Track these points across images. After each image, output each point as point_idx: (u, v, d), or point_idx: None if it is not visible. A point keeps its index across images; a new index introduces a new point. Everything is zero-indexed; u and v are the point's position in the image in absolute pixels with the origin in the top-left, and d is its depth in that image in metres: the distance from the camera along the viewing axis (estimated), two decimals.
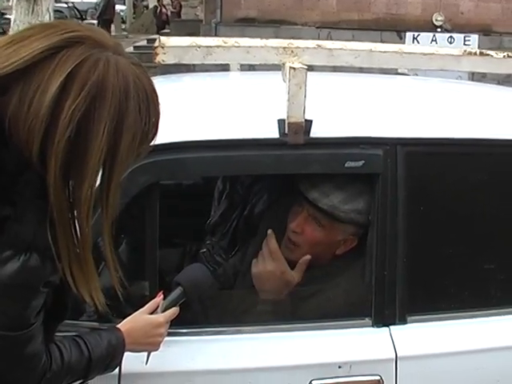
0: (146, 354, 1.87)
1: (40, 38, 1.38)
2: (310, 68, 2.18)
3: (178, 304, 1.91)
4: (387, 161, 2.11)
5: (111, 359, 1.71)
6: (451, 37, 8.90)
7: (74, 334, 1.70)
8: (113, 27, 23.26)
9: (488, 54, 2.52)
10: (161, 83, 2.74)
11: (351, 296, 2.21)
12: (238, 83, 2.77)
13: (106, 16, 23.30)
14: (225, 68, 2.75)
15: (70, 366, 1.59)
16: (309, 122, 2.04)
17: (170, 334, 1.95)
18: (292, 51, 2.11)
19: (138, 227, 2.07)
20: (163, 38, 2.27)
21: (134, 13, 30.98)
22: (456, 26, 10.37)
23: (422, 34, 8.50)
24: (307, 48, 2.14)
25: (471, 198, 2.25)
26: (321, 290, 2.22)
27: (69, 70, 1.35)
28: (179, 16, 22.85)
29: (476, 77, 6.27)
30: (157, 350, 1.87)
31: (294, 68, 1.98)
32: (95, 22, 22.44)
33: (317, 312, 2.18)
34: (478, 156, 2.25)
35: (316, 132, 2.06)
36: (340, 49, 2.19)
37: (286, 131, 2.03)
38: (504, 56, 2.52)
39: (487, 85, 3.46)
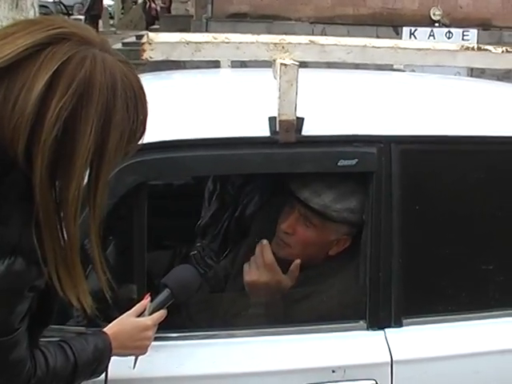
0: (133, 358, 1.88)
1: (24, 34, 1.38)
2: (304, 65, 2.19)
3: (165, 306, 1.91)
4: (381, 159, 2.13)
5: (98, 364, 1.72)
6: (449, 32, 8.92)
7: (59, 338, 1.70)
8: (100, 23, 23.24)
9: (486, 49, 2.54)
10: (149, 80, 2.75)
11: (345, 298, 2.22)
12: (228, 80, 2.78)
13: (93, 11, 23.27)
14: (216, 65, 2.76)
15: (55, 372, 1.59)
16: (300, 120, 2.05)
17: (158, 339, 1.96)
18: (283, 47, 2.12)
19: (125, 228, 2.08)
20: (151, 34, 2.29)
21: (123, 8, 30.95)
22: (454, 20, 10.39)
23: (420, 29, 8.51)
24: (298, 44, 2.15)
25: (468, 197, 2.26)
26: (314, 291, 2.23)
27: (55, 67, 1.36)
28: (169, 11, 22.82)
29: (475, 73, 6.30)
30: (144, 353, 1.87)
31: (284, 64, 1.99)
32: (82, 17, 22.39)
33: (310, 315, 2.20)
34: (475, 154, 2.26)
35: (308, 130, 2.07)
36: (332, 44, 2.20)
37: (277, 129, 2.04)
38: (502, 51, 2.53)
39: (485, 81, 3.47)
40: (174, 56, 2.15)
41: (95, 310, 1.58)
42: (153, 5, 24.82)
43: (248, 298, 2.27)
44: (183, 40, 2.19)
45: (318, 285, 2.25)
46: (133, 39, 16.77)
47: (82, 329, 1.95)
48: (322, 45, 2.20)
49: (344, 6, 11.49)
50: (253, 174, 2.38)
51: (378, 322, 2.17)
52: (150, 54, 2.14)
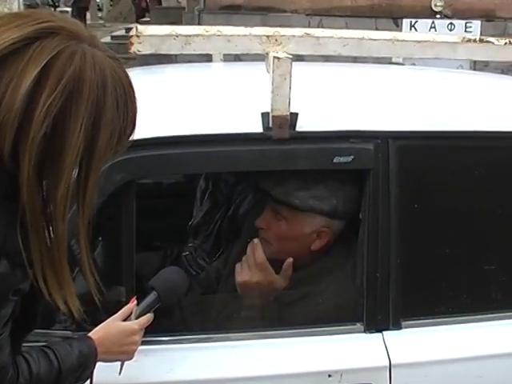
0: (119, 363, 1.88)
1: (11, 28, 1.39)
2: (300, 58, 2.20)
3: (152, 310, 1.91)
4: (378, 155, 2.13)
5: (83, 370, 1.71)
6: (451, 23, 8.91)
7: (42, 344, 1.70)
8: (88, 15, 23.22)
9: (488, 41, 2.55)
10: (139, 75, 2.77)
11: (341, 300, 2.23)
12: (220, 74, 2.79)
13: (80, 3, 23.22)
14: (209, 59, 2.76)
15: (38, 379, 1.59)
16: (294, 116, 2.06)
17: (148, 343, 1.97)
18: (276, 40, 2.13)
19: (113, 228, 2.08)
20: (140, 27, 2.30)
21: (112, 0, 30.89)
22: (457, 11, 10.38)
23: (420, 20, 8.50)
24: (292, 36, 2.16)
25: (469, 194, 2.27)
26: (309, 293, 2.24)
27: (44, 62, 1.36)
28: (160, 3, 22.78)
29: (478, 66, 6.30)
30: (131, 359, 1.87)
31: (278, 58, 1.99)
32: (69, 9, 22.36)
33: (305, 317, 2.20)
34: (476, 150, 2.26)
35: (302, 126, 2.08)
36: (327, 37, 2.21)
37: (271, 125, 2.05)
38: (506, 43, 2.54)
39: (488, 74, 3.48)
40: (163, 49, 2.16)
41: (83, 313, 1.59)
42: None
43: (241, 300, 2.28)
44: (173, 33, 2.20)
45: (313, 286, 2.26)
46: (122, 32, 16.74)
47: (69, 333, 1.96)
48: (317, 37, 2.21)
49: None
50: (246, 171, 2.38)
51: (375, 325, 2.18)
52: (138, 48, 2.15)
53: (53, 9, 20.77)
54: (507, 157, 2.28)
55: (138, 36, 2.17)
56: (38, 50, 1.37)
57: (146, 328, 1.89)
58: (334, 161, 2.09)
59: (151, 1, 24.02)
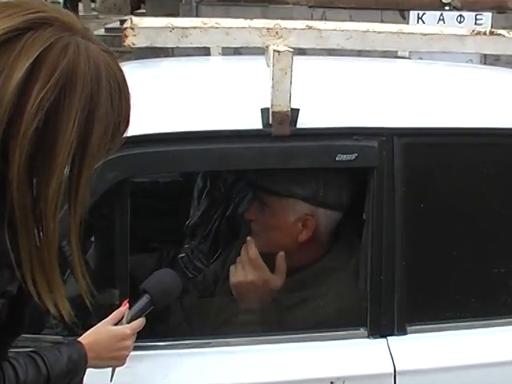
0: (110, 369, 1.88)
1: (1, 18, 1.39)
2: (302, 52, 2.20)
3: (145, 313, 1.91)
4: (383, 153, 2.14)
5: (72, 376, 1.71)
6: (461, 15, 8.88)
7: (30, 349, 1.70)
8: (81, 6, 23.12)
9: (499, 34, 2.55)
10: (134, 69, 2.77)
11: (343, 303, 2.24)
12: (218, 69, 2.79)
13: None
14: (207, 52, 2.77)
15: None
16: (295, 111, 2.06)
17: (141, 348, 1.97)
18: (277, 32, 2.14)
19: (106, 229, 2.08)
20: (135, 19, 2.30)
21: None
22: (466, 3, 10.34)
23: (428, 12, 8.47)
24: (293, 29, 2.16)
25: (477, 193, 2.27)
26: (309, 296, 2.25)
27: (36, 54, 1.36)
28: None
29: (489, 60, 6.28)
30: (122, 365, 1.88)
31: (278, 51, 1.99)
32: (60, 0, 22.33)
33: (306, 321, 2.21)
34: (483, 147, 2.27)
35: (303, 122, 2.08)
36: (330, 30, 2.21)
37: (270, 121, 2.05)
38: None
39: (499, 68, 3.47)
40: (159, 42, 2.17)
41: (74, 317, 1.59)
42: None
43: (239, 304, 2.28)
44: (169, 25, 2.21)
45: (314, 288, 2.27)
46: (117, 24, 16.69)
47: (59, 338, 1.96)
48: (319, 30, 2.21)
49: None
50: (244, 169, 2.38)
51: (379, 330, 2.18)
52: (133, 40, 2.15)
53: None
54: None
55: (132, 28, 2.17)
56: (30, 41, 1.37)
57: (139, 332, 1.89)
58: (337, 159, 2.10)
59: None
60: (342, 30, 2.25)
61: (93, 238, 2.39)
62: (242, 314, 2.25)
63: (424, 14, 8.39)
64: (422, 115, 2.24)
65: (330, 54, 2.85)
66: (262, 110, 2.07)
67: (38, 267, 1.45)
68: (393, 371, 2.13)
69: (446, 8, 10.07)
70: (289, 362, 2.11)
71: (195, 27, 2.19)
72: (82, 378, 1.75)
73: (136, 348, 1.90)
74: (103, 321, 1.87)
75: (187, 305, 2.29)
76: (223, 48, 2.60)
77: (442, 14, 8.74)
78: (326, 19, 8.54)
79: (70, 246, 1.51)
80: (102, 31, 15.76)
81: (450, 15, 8.87)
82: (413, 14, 8.32)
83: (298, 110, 2.07)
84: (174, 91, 2.30)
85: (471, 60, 5.52)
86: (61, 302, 1.51)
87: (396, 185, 2.15)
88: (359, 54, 2.65)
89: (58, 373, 1.66)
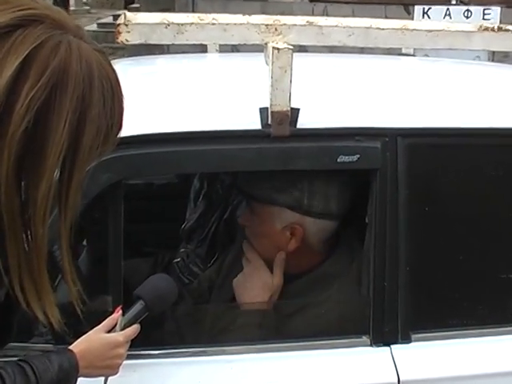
0: (103, 379, 1.87)
1: None
2: (302, 49, 2.20)
3: (139, 320, 1.91)
4: (386, 154, 2.14)
5: None
6: (468, 10, 8.86)
7: (18, 358, 1.69)
8: (72, 0, 23.15)
9: (507, 30, 2.55)
10: (128, 66, 2.78)
11: (345, 310, 2.24)
12: (215, 67, 2.79)
13: None
14: (204, 49, 2.77)
15: None
16: (295, 111, 2.06)
17: (136, 357, 1.97)
18: (276, 29, 2.14)
19: (99, 233, 2.09)
20: (129, 14, 2.30)
21: None
22: None
23: (434, 7, 8.45)
24: (293, 25, 2.16)
25: (484, 196, 2.27)
26: (310, 303, 2.26)
27: (26, 52, 1.37)
28: None
29: (497, 56, 6.28)
30: (115, 374, 1.87)
31: (277, 48, 1.99)
32: None
33: (305, 329, 2.21)
34: (491, 148, 2.27)
35: (304, 122, 2.09)
36: (331, 26, 2.21)
37: (270, 121, 2.06)
38: None
39: (507, 66, 3.47)
40: (154, 39, 2.17)
41: (63, 324, 1.59)
42: None
43: (237, 311, 2.29)
44: (164, 21, 2.21)
45: (315, 295, 2.28)
46: (109, 20, 16.69)
47: (49, 346, 1.96)
48: (320, 26, 2.22)
49: None
50: (237, 173, 2.39)
51: (383, 338, 2.19)
52: (127, 37, 2.15)
53: None
54: None
55: (126, 24, 2.18)
56: (19, 39, 1.38)
57: (133, 340, 1.89)
58: (338, 160, 2.10)
59: None
60: (344, 27, 2.25)
61: (85, 242, 2.39)
62: (240, 322, 2.25)
63: (429, 8, 8.37)
64: (426, 115, 2.24)
65: (331, 51, 2.85)
66: (260, 109, 2.07)
67: (26, 273, 1.46)
68: (396, 381, 2.13)
69: (453, 2, 10.06)
70: (288, 372, 2.12)
71: (191, 23, 2.20)
72: None
73: (129, 356, 1.90)
74: (95, 328, 1.86)
75: (183, 312, 2.29)
76: (220, 45, 2.60)
77: (448, 9, 8.72)
78: (327, 14, 8.55)
79: (60, 251, 1.52)
80: (94, 26, 15.76)
81: (457, 10, 8.86)
82: (418, 9, 8.30)
83: (298, 110, 2.07)
84: (170, 90, 2.30)
85: (478, 57, 5.52)
86: (50, 310, 1.52)
87: (400, 187, 2.15)
88: (362, 50, 2.65)
89: (48, 382, 1.65)
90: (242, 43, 2.20)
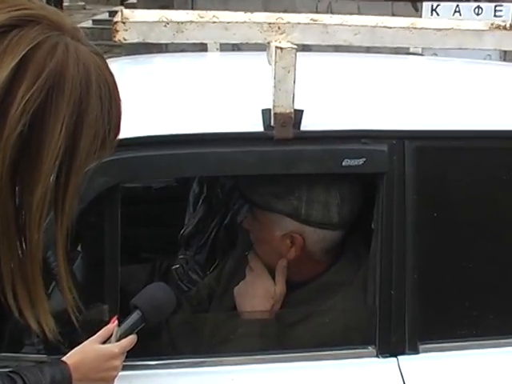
0: None
1: None
2: (306, 48, 2.20)
3: (135, 331, 1.92)
4: (393, 158, 2.14)
5: None
6: (479, 7, 8.85)
7: (9, 369, 1.69)
8: None
9: None
10: (125, 65, 2.78)
11: (350, 320, 2.25)
12: (216, 66, 2.80)
13: None
14: (203, 48, 2.77)
15: None
16: (299, 113, 2.07)
17: (132, 368, 1.98)
18: (279, 27, 2.14)
19: (95, 238, 2.09)
20: (126, 11, 2.31)
21: None
22: None
23: (443, 4, 8.44)
24: (297, 24, 2.16)
25: (495, 201, 2.27)
26: (314, 312, 2.26)
27: (22, 53, 1.38)
28: None
29: (509, 56, 6.27)
30: None
31: (280, 48, 1.99)
32: None
33: (309, 339, 2.21)
34: (503, 151, 2.27)
35: (307, 124, 2.09)
36: (336, 24, 2.21)
37: (272, 123, 2.06)
38: None
39: None
40: (152, 38, 2.17)
41: (58, 334, 1.59)
42: None
43: (237, 320, 2.30)
44: (163, 19, 2.21)
45: (319, 304, 2.28)
46: (105, 16, 16.72)
47: (42, 357, 1.96)
48: (325, 25, 2.22)
49: None
50: (239, 177, 2.39)
51: (389, 348, 2.19)
52: (124, 36, 2.16)
53: None
54: None
55: (123, 22, 2.18)
56: (15, 40, 1.39)
57: (129, 351, 1.89)
58: (344, 164, 2.10)
59: None
60: (350, 25, 2.26)
61: (80, 248, 2.39)
62: (241, 331, 2.25)
63: (438, 5, 8.37)
64: (435, 117, 2.25)
65: (336, 50, 2.85)
66: (263, 111, 2.08)
67: (19, 281, 1.47)
68: None
69: None
70: (291, 383, 2.12)
71: (191, 22, 2.20)
72: None
73: (125, 368, 1.91)
74: (90, 339, 1.86)
75: (181, 320, 2.30)
76: (221, 43, 2.61)
77: (457, 6, 8.72)
78: (331, 11, 8.55)
79: (55, 257, 1.53)
80: (89, 23, 15.77)
81: (467, 6, 8.85)
82: (426, 6, 8.30)
83: (301, 112, 2.07)
84: (169, 90, 2.31)
85: (489, 56, 5.53)
86: (44, 318, 1.52)
87: (407, 192, 2.16)
88: (368, 49, 2.65)
89: None
90: (243, 42, 2.20)
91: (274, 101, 2.04)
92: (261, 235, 2.34)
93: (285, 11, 2.37)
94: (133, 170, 2.07)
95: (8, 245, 1.43)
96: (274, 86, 2.01)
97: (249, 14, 2.28)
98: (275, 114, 2.05)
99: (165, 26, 2.20)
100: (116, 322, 1.90)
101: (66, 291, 1.56)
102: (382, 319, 2.18)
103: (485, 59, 4.93)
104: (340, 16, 2.39)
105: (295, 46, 2.03)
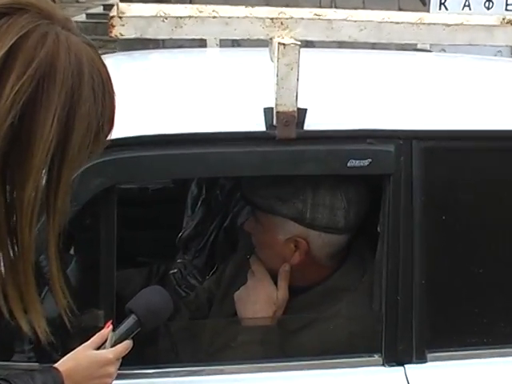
0: None
1: None
2: (310, 44, 2.20)
3: (131, 336, 1.92)
4: (400, 159, 2.15)
5: None
6: (489, 0, 8.84)
7: (0, 377, 1.69)
8: None
9: None
10: (121, 62, 2.79)
11: (355, 327, 2.25)
12: (216, 63, 2.80)
13: None
14: (202, 44, 2.77)
15: None
16: (302, 112, 2.07)
17: (126, 376, 1.98)
18: (282, 23, 2.14)
19: (90, 241, 2.09)
20: (122, 5, 2.30)
21: None
22: None
23: None
24: (301, 19, 2.16)
25: (506, 204, 2.28)
26: (317, 318, 2.27)
27: (11, 42, 1.38)
28: None
29: None
30: None
31: (283, 44, 2.00)
32: None
33: (313, 347, 2.22)
34: None
35: (311, 124, 2.10)
36: (341, 20, 2.21)
37: (275, 123, 2.07)
38: None
39: None
40: (150, 33, 2.17)
41: (51, 336, 1.59)
42: None
43: (238, 327, 2.31)
44: (161, 13, 2.21)
45: (323, 310, 2.29)
46: (100, 10, 16.71)
47: (34, 365, 1.96)
48: (329, 20, 2.21)
49: None
50: (245, 176, 2.39)
51: (396, 357, 2.19)
52: (121, 31, 2.16)
53: None
54: None
55: (120, 17, 2.18)
56: (4, 28, 1.39)
57: (124, 358, 1.90)
58: (349, 165, 2.11)
59: None
60: (355, 21, 2.25)
61: (74, 252, 2.40)
62: (240, 338, 2.26)
63: None
64: (444, 116, 2.25)
65: (340, 46, 2.85)
66: (265, 109, 2.08)
67: (11, 282, 1.47)
68: None
69: None
70: None
71: (190, 16, 2.20)
72: None
73: (120, 376, 1.91)
74: (83, 344, 1.86)
75: (179, 327, 2.30)
76: (221, 39, 2.60)
77: (467, 0, 8.72)
78: (335, 6, 8.53)
79: (48, 256, 1.53)
80: (82, 17, 15.76)
81: (477, 0, 8.84)
82: (434, 0, 8.31)
83: (305, 110, 2.08)
84: (167, 88, 2.31)
85: (500, 52, 5.53)
86: (36, 320, 1.53)
87: (415, 194, 2.16)
88: (373, 45, 2.65)
89: None
90: (245, 38, 2.20)
91: (276, 99, 2.04)
92: (263, 239, 2.35)
93: (287, 5, 2.36)
94: (129, 171, 2.08)
95: None
96: (277, 84, 2.02)
97: (250, 8, 2.27)
98: (278, 112, 2.05)
99: (163, 21, 2.19)
100: (111, 326, 1.91)
101: (58, 292, 1.56)
102: (388, 326, 2.18)
103: (495, 55, 4.94)
104: (345, 11, 2.38)
105: (299, 42, 2.04)
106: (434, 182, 2.19)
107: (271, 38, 2.13)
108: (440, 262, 2.21)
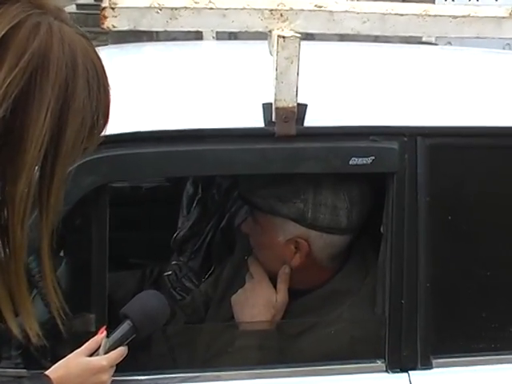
0: None
1: None
2: (310, 37, 2.20)
3: (126, 342, 1.92)
4: (404, 156, 2.15)
5: None
6: None
7: None
8: None
9: None
10: (113, 55, 2.79)
11: (358, 331, 2.25)
12: (212, 56, 2.80)
13: None
14: (198, 36, 2.77)
15: None
16: (302, 107, 2.08)
17: (121, 383, 1.98)
18: (281, 15, 2.14)
19: (81, 243, 2.09)
20: None
21: None
22: None
23: None
24: (301, 10, 2.16)
25: None
26: (318, 323, 2.27)
27: (2, 32, 1.39)
28: None
29: None
30: None
31: (283, 37, 2.00)
32: None
33: (313, 352, 2.22)
34: None
35: (312, 120, 2.10)
36: (344, 11, 2.21)
37: (274, 119, 2.07)
38: None
39: None
40: (144, 25, 2.17)
41: (43, 339, 1.59)
42: None
43: (236, 331, 2.31)
44: (155, 4, 2.21)
45: (324, 314, 2.29)
46: (90, 0, 16.71)
47: (23, 372, 1.97)
48: (331, 12, 2.21)
49: None
50: (243, 174, 2.40)
51: (400, 363, 2.20)
52: (113, 23, 2.15)
53: None
54: None
55: (112, 8, 2.18)
56: None
57: (118, 365, 1.90)
58: (351, 162, 2.11)
59: None
60: (358, 12, 2.25)
61: (64, 253, 2.40)
62: (238, 343, 2.26)
63: None
64: (450, 112, 2.26)
65: (341, 39, 2.85)
66: (263, 105, 2.09)
67: (1, 282, 1.47)
68: None
69: None
70: None
71: (186, 8, 2.20)
72: None
73: (114, 383, 1.92)
74: (76, 351, 1.87)
75: (174, 332, 2.30)
76: (217, 31, 2.60)
77: None
78: None
79: (40, 256, 1.53)
80: (73, 8, 15.68)
81: None
82: None
83: (305, 106, 2.08)
84: (162, 82, 2.31)
85: (508, 45, 5.54)
86: (28, 322, 1.53)
87: (419, 193, 2.17)
88: (376, 38, 2.65)
89: None
90: (242, 30, 2.20)
91: (275, 94, 2.04)
92: (262, 240, 2.35)
93: None
94: (122, 169, 2.08)
95: None
96: (276, 79, 2.02)
97: None
98: (277, 108, 2.05)
99: (157, 12, 2.19)
100: (104, 332, 1.91)
101: (51, 292, 1.57)
102: (391, 331, 2.19)
103: (504, 48, 4.95)
104: (347, 2, 2.38)
105: (299, 35, 2.03)
106: (440, 181, 2.19)
107: (270, 31, 2.12)
108: (446, 263, 2.22)
